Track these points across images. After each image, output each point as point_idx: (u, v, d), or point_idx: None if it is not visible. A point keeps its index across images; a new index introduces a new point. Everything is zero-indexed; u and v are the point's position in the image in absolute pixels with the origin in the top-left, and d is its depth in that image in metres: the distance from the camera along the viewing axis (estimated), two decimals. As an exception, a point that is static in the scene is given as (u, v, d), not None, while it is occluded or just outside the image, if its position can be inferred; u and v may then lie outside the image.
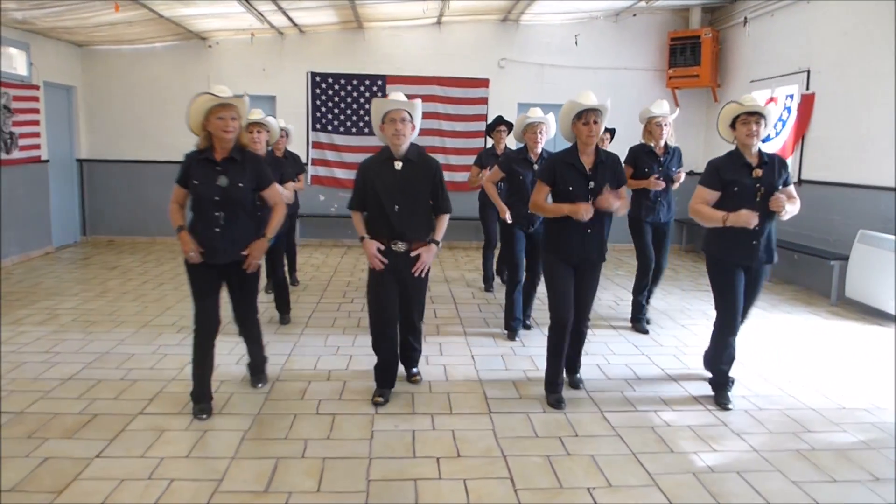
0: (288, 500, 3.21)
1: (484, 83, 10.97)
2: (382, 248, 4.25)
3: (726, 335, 4.52)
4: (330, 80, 10.85)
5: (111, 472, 3.42)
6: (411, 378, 4.80)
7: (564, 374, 4.64)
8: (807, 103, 8.31)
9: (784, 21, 8.99)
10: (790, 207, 4.26)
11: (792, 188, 4.38)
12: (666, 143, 6.07)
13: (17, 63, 9.05)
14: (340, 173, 10.85)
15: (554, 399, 4.45)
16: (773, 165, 4.30)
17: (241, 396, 4.47)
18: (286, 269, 7.75)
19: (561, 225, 4.40)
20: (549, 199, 4.54)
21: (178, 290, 7.51)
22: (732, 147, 4.41)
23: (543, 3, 9.70)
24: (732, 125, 4.33)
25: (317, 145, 10.92)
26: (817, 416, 4.39)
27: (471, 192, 8.02)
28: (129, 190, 10.99)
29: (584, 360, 5.05)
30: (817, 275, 7.98)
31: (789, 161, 8.64)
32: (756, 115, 4.20)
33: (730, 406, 4.45)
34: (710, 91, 10.85)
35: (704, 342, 5.80)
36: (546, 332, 5.46)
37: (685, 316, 6.87)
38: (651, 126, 6.02)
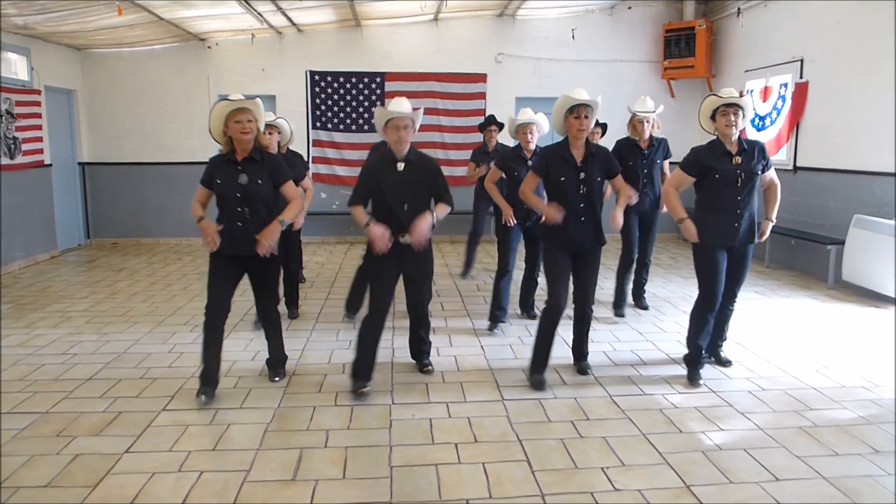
0: (315, 487, 3.34)
1: (482, 78, 11.08)
2: (389, 232, 4.38)
3: (705, 312, 4.75)
4: (329, 79, 10.95)
5: (142, 467, 3.54)
6: (423, 368, 4.95)
7: (572, 360, 4.93)
8: (801, 92, 8.45)
9: (777, 11, 9.12)
10: (777, 193, 4.79)
11: (772, 172, 4.72)
12: (651, 136, 6.28)
13: (18, 68, 9.12)
14: (341, 170, 10.95)
15: (535, 380, 4.64)
16: (752, 153, 4.58)
17: (259, 391, 4.58)
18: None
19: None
20: (544, 192, 4.88)
21: (186, 290, 7.62)
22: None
23: (539, -2, 9.82)
24: (713, 117, 4.64)
25: (317, 143, 11.02)
26: (818, 394, 4.55)
27: (469, 186, 8.16)
28: (131, 192, 11.08)
29: (591, 346, 5.19)
30: (814, 259, 8.13)
31: (784, 149, 8.79)
32: (734, 107, 4.50)
33: (700, 383, 4.70)
34: (706, 81, 10.96)
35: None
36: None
37: (686, 303, 6.98)
38: (634, 122, 6.27)
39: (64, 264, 9.33)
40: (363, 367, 4.54)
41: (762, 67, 9.34)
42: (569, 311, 4.75)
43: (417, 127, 4.56)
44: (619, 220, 4.66)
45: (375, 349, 4.56)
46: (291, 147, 7.25)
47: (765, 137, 9.04)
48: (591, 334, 4.98)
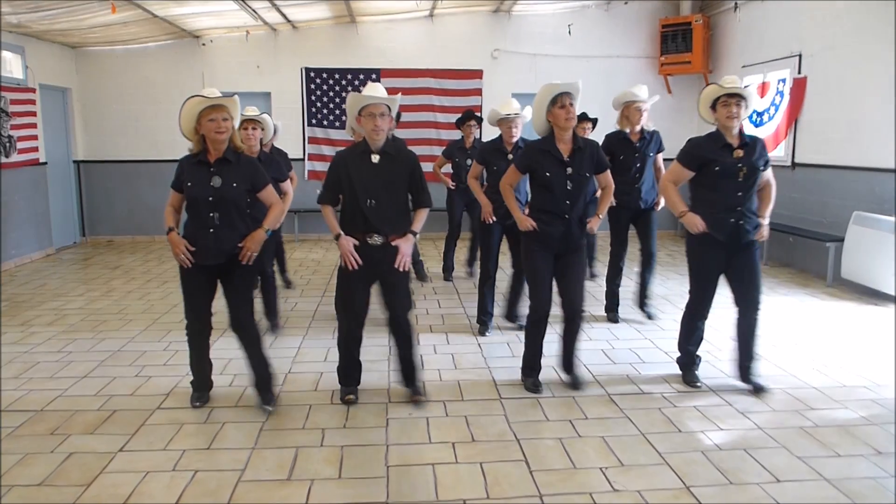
0: (311, 486, 3.30)
1: (478, 74, 11.04)
2: (357, 244, 4.11)
3: (696, 319, 4.61)
4: (324, 76, 10.90)
5: (136, 465, 3.51)
6: (415, 397, 4.36)
7: (562, 372, 4.69)
8: (799, 87, 8.42)
9: (775, 5, 9.08)
10: (771, 194, 4.47)
11: (770, 171, 4.44)
12: (642, 129, 5.92)
13: (12, 66, 9.07)
14: (337, 168, 10.90)
15: (530, 383, 4.56)
16: (755, 147, 4.32)
17: (255, 390, 4.54)
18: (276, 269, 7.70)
19: (538, 209, 4.45)
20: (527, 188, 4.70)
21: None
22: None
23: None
24: (713, 107, 4.35)
25: (313, 140, 10.98)
26: (819, 394, 4.50)
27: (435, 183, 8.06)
28: (126, 190, 11.03)
29: (589, 345, 5.16)
30: (813, 257, 8.11)
31: (783, 145, 8.76)
32: (736, 97, 4.21)
33: (698, 384, 4.59)
34: (703, 77, 10.93)
35: (705, 325, 5.93)
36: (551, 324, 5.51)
37: (685, 300, 6.93)
38: (630, 110, 5.85)
39: (59, 262, 9.29)
40: (348, 374, 4.42)
41: (760, 63, 9.31)
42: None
43: (394, 115, 4.19)
44: (595, 226, 4.52)
45: (356, 354, 4.40)
46: (277, 144, 7.15)
47: (762, 133, 9.01)
48: (589, 332, 4.93)
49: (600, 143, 4.80)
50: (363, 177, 4.08)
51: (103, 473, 3.43)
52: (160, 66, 10.76)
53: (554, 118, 4.30)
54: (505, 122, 5.60)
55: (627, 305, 6.57)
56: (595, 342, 5.49)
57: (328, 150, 10.98)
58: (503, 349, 5.41)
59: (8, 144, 8.74)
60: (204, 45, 10.74)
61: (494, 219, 5.65)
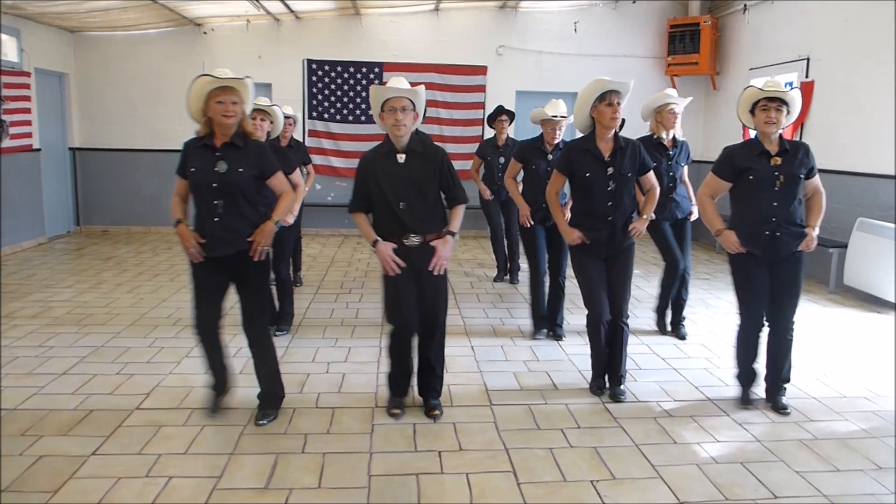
0: (288, 497, 3.17)
1: (482, 71, 10.88)
2: (395, 247, 3.89)
3: (747, 332, 4.27)
4: (326, 68, 10.75)
5: (108, 471, 3.37)
6: (430, 412, 4.09)
7: (606, 379, 4.49)
8: (806, 91, 8.25)
9: (784, 8, 8.92)
10: (821, 203, 4.16)
11: (817, 179, 4.12)
12: (674, 136, 5.61)
13: (7, 49, 8.91)
14: (337, 162, 10.76)
15: (595, 387, 4.46)
16: (795, 153, 4.02)
17: (240, 391, 4.38)
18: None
19: (581, 213, 4.32)
20: (567, 189, 4.51)
21: (173, 281, 7.45)
22: (752, 133, 4.20)
23: (541, -10, 9.62)
24: (752, 111, 4.07)
25: (313, 133, 10.82)
26: (818, 404, 4.37)
27: (468, 179, 7.96)
28: (123, 179, 10.89)
29: (583, 350, 4.93)
30: (816, 262, 7.92)
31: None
32: (777, 102, 3.95)
33: (751, 406, 4.27)
34: (710, 79, 10.78)
35: (705, 331, 5.84)
36: (580, 334, 5.30)
37: (691, 309, 6.79)
38: (664, 114, 5.50)
39: (51, 252, 9.16)
40: (398, 384, 4.17)
41: (767, 66, 9.14)
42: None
43: (420, 110, 3.92)
44: (641, 229, 4.28)
45: (409, 363, 4.16)
46: (295, 136, 7.04)
47: (797, 140, 8.87)
48: (584, 337, 4.74)
49: None
50: (391, 178, 3.86)
51: (73, 479, 3.28)
52: (160, 53, 10.61)
53: (598, 115, 4.14)
54: (549, 123, 5.45)
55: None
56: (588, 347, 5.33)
57: (328, 144, 10.84)
58: (497, 353, 5.27)
59: (0, 129, 8.59)
60: (205, 33, 10.60)
61: (533, 222, 5.48)
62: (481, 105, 10.64)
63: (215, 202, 3.72)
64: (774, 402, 4.29)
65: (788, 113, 4.00)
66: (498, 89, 10.73)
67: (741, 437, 3.88)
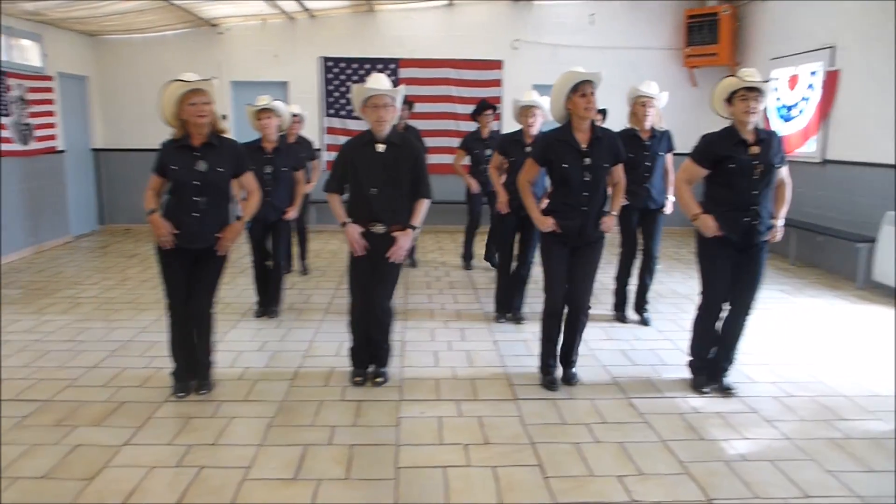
0: (317, 487, 3.20)
1: (497, 65, 10.87)
2: (363, 230, 4.23)
3: (706, 319, 4.40)
4: (342, 65, 10.78)
5: (140, 460, 3.43)
6: (375, 378, 4.50)
7: (560, 368, 4.58)
8: (831, 81, 8.16)
9: (806, -5, 8.79)
10: (787, 193, 4.27)
11: (785, 169, 4.22)
12: (652, 128, 5.71)
13: (30, 54, 9.04)
14: (355, 158, 10.80)
15: (547, 381, 4.47)
16: (771, 142, 4.11)
17: (265, 384, 4.46)
18: (295, 255, 7.76)
19: (557, 202, 4.35)
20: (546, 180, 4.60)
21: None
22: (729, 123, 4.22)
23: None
24: (729, 100, 4.12)
25: (331, 130, 10.87)
26: (849, 402, 4.29)
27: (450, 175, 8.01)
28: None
29: (608, 344, 5.03)
30: (842, 258, 7.84)
31: (813, 140, 8.50)
32: (755, 92, 4.01)
33: (706, 391, 4.39)
34: (729, 70, 10.68)
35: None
36: (602, 328, 5.45)
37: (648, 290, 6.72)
38: (635, 107, 5.67)
39: (76, 250, 9.27)
40: (360, 357, 4.53)
41: (790, 55, 9.02)
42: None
43: (399, 105, 4.23)
44: (612, 224, 4.38)
45: (366, 336, 4.47)
46: (302, 134, 7.18)
47: (792, 128, 8.77)
48: (609, 332, 4.78)
49: None
50: (367, 166, 4.18)
51: (107, 467, 3.35)
52: (178, 54, 10.67)
53: (573, 106, 4.16)
54: (523, 112, 5.57)
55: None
56: (615, 342, 5.34)
57: (345, 140, 10.85)
58: (520, 347, 5.28)
59: (25, 132, 8.71)
60: (221, 33, 10.65)
61: (509, 210, 5.66)
62: (497, 99, 10.61)
63: (195, 199, 4.01)
64: (720, 382, 4.44)
65: (762, 103, 4.08)
66: (514, 83, 10.66)
67: (770, 434, 3.84)
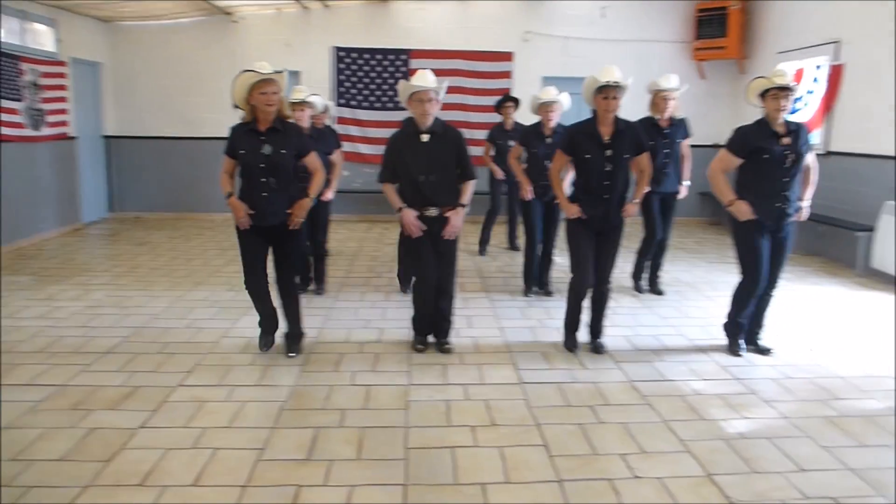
0: (330, 467, 3.30)
1: (508, 57, 10.90)
2: (417, 214, 4.59)
3: (748, 296, 4.72)
4: (354, 55, 10.84)
5: (157, 442, 3.52)
6: (442, 347, 4.90)
7: (587, 337, 5.00)
8: (836, 74, 8.21)
9: (814, -10, 8.83)
10: (813, 177, 4.74)
11: (812, 154, 4.63)
12: (671, 116, 6.18)
13: (44, 39, 9.12)
14: (365, 149, 10.87)
15: (568, 342, 4.95)
16: (799, 133, 4.48)
17: (276, 368, 4.56)
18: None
19: (580, 190, 4.73)
20: (572, 173, 4.92)
21: (207, 265, 7.62)
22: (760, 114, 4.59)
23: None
24: (762, 96, 4.50)
25: (341, 120, 10.91)
26: (845, 383, 4.43)
27: (483, 165, 8.14)
28: (155, 166, 11.08)
29: (612, 331, 5.15)
30: (843, 246, 7.93)
31: (817, 132, 8.55)
32: (786, 90, 4.36)
33: (741, 353, 4.79)
34: (737, 63, 10.72)
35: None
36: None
37: (711, 288, 6.87)
38: (657, 99, 6.14)
39: (87, 237, 9.40)
40: (420, 326, 4.92)
41: (796, 49, 9.07)
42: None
43: (441, 98, 4.57)
44: (634, 211, 4.72)
45: (430, 308, 4.82)
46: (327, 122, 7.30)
47: (796, 120, 8.81)
48: (612, 318, 4.91)
49: None
50: (416, 155, 4.56)
51: (124, 449, 3.44)
52: (192, 42, 10.76)
53: (596, 105, 4.53)
54: (543, 107, 6.02)
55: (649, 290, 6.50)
56: (618, 328, 5.42)
57: (356, 132, 10.95)
58: (525, 333, 5.37)
59: (38, 118, 8.81)
60: (235, 22, 10.72)
61: (533, 195, 6.15)
62: (507, 91, 10.64)
63: (263, 180, 4.39)
64: (756, 344, 4.92)
65: (792, 100, 4.44)
66: (524, 75, 10.74)
67: (768, 414, 3.96)
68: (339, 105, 10.90)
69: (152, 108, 10.94)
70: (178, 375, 4.42)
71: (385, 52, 10.80)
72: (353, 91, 10.90)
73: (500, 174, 7.94)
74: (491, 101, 10.59)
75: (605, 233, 4.71)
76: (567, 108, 6.19)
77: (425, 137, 4.55)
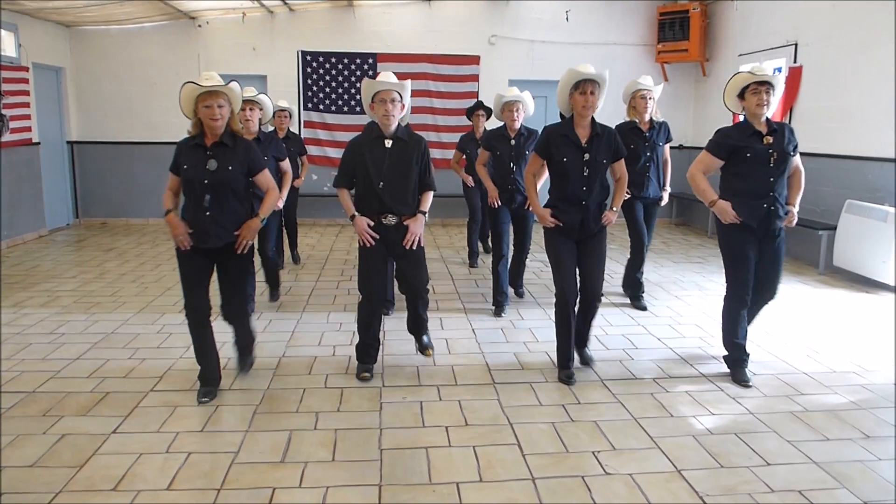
0: (304, 469, 3.31)
1: (474, 60, 10.99)
2: (372, 223, 4.32)
3: (737, 307, 4.48)
4: (321, 59, 10.84)
5: (129, 447, 3.50)
6: (424, 351, 4.73)
7: (575, 351, 4.62)
8: (794, 76, 8.42)
9: (772, -6, 9.05)
10: (801, 180, 4.47)
11: (798, 157, 4.39)
12: (651, 119, 6.00)
13: (5, 45, 8.98)
14: (333, 152, 10.85)
15: (564, 375, 4.48)
16: (783, 132, 4.29)
17: (249, 372, 4.54)
18: (287, 245, 7.87)
19: (556, 198, 4.46)
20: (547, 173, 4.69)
21: (176, 271, 7.45)
22: (740, 117, 4.44)
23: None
24: (740, 95, 4.30)
25: (308, 124, 10.93)
26: (809, 379, 4.54)
27: (450, 169, 8.18)
28: (120, 171, 10.96)
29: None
30: (806, 245, 8.13)
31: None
32: (766, 85, 4.18)
33: (749, 384, 4.40)
34: (699, 65, 10.93)
35: (698, 312, 6.01)
36: (541, 303, 5.68)
37: (678, 287, 7.00)
38: (636, 100, 5.93)
39: (52, 244, 9.25)
40: (366, 352, 4.54)
41: (756, 52, 9.29)
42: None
43: (407, 102, 4.33)
44: (613, 218, 4.44)
45: (376, 332, 4.54)
46: (292, 128, 7.30)
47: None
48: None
49: None
50: (376, 160, 4.27)
51: (96, 455, 3.42)
52: (156, 46, 10.67)
53: (573, 103, 4.30)
54: (507, 106, 5.77)
55: (619, 291, 6.59)
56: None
57: (324, 135, 10.95)
58: (497, 335, 5.42)
59: (0, 124, 8.66)
60: (200, 26, 10.66)
61: (500, 203, 5.89)
62: (475, 94, 10.73)
63: (206, 197, 3.96)
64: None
65: (774, 95, 4.23)
66: (491, 78, 10.83)
67: (735, 410, 4.05)
68: (307, 109, 10.89)
69: (116, 113, 10.82)
70: (150, 381, 4.39)
71: (351, 56, 10.82)
72: (321, 95, 10.89)
73: (471, 182, 7.74)
74: (458, 104, 10.74)
75: (585, 241, 4.45)
76: (531, 112, 5.95)
77: (388, 143, 4.27)
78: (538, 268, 7.66)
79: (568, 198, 4.38)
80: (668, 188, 6.28)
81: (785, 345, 5.21)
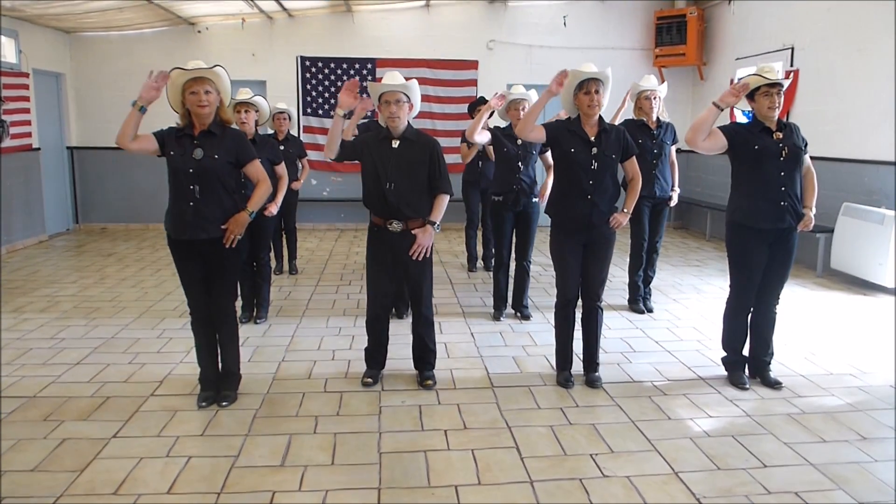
0: (304, 472, 3.33)
1: (473, 65, 11.04)
2: (379, 225, 4.28)
3: (739, 311, 4.46)
4: (320, 65, 10.88)
5: (130, 451, 3.52)
6: (424, 382, 4.45)
7: (582, 371, 4.57)
8: (791, 80, 8.44)
9: (769, -2, 9.09)
10: (814, 181, 4.45)
11: (808, 157, 4.36)
12: (658, 118, 6.05)
13: (6, 51, 9.03)
14: (332, 157, 10.87)
15: (562, 378, 4.48)
16: (792, 129, 4.28)
17: (249, 377, 4.53)
18: (285, 257, 7.81)
19: (561, 193, 4.41)
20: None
21: (176, 276, 7.48)
22: (737, 115, 4.48)
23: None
24: (750, 96, 4.24)
25: (307, 129, 10.95)
26: (806, 381, 4.57)
27: (459, 172, 8.12)
28: (120, 177, 10.98)
29: (578, 333, 5.06)
30: (803, 247, 8.06)
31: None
32: (777, 87, 4.16)
33: (746, 386, 4.40)
34: (696, 69, 10.97)
35: (697, 315, 6.02)
36: (539, 307, 5.71)
37: (676, 290, 7.03)
38: (641, 101, 6.00)
39: (52, 249, 9.28)
40: (372, 357, 4.55)
41: (753, 55, 9.32)
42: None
43: (416, 102, 4.26)
44: (623, 221, 4.36)
45: (382, 338, 4.53)
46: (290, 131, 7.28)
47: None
48: (577, 323, 4.90)
49: None
50: (384, 160, 4.21)
51: (97, 459, 3.44)
52: (156, 52, 10.68)
53: (578, 103, 4.27)
54: (513, 104, 5.70)
55: (619, 295, 6.62)
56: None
57: (323, 140, 10.94)
58: (496, 339, 5.45)
59: (1, 130, 8.69)
60: (199, 32, 10.70)
61: (503, 198, 5.79)
62: (473, 99, 10.73)
63: (191, 187, 3.85)
64: (763, 377, 4.50)
65: (782, 96, 4.22)
66: (489, 83, 10.84)
67: (732, 412, 4.07)
68: (306, 114, 10.93)
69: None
70: (150, 385, 4.41)
71: (351, 61, 10.86)
72: (320, 100, 10.93)
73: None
74: (457, 109, 10.77)
75: (592, 244, 4.35)
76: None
77: (396, 143, 4.19)
78: (537, 272, 7.68)
79: (574, 192, 4.30)
80: (678, 188, 6.27)
81: (782, 347, 5.19)
